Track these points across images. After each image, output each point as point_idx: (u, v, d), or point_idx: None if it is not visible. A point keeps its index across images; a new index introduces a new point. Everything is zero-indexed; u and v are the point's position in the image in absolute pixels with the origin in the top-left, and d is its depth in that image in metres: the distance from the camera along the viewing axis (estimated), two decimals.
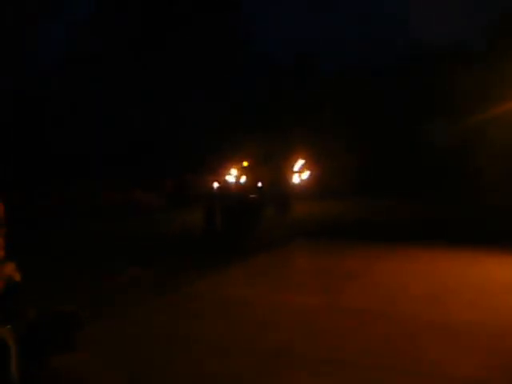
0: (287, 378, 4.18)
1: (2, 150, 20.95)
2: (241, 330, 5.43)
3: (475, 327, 5.36)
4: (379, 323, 5.61)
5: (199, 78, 30.19)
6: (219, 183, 19.06)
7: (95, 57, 28.67)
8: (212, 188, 18.51)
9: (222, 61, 31.62)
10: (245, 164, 20.22)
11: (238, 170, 19.84)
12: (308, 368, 4.38)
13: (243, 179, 19.85)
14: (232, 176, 19.28)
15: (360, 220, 17.03)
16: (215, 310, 6.30)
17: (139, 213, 21.69)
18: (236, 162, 20.35)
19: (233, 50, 32.85)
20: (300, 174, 22.34)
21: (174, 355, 4.67)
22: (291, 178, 21.85)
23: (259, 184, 20.76)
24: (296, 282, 8.09)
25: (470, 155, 26.48)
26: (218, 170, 20.64)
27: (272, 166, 24.40)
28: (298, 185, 22.07)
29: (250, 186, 19.82)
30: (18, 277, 1.57)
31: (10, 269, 1.54)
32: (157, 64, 29.67)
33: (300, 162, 22.11)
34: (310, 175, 22.65)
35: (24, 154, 22.39)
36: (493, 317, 5.72)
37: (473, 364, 4.35)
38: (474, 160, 25.65)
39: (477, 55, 28.17)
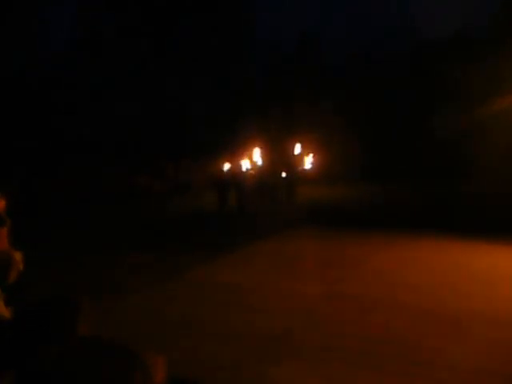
0: (287, 365, 4.19)
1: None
2: (240, 317, 5.44)
3: (475, 317, 5.35)
4: (379, 311, 5.62)
5: (201, 64, 30.03)
6: (231, 166, 19.31)
7: (96, 43, 28.49)
8: (224, 171, 18.79)
9: (223, 46, 31.42)
10: (257, 149, 20.37)
11: (252, 154, 20.11)
12: (308, 355, 4.39)
13: (259, 163, 20.12)
14: (246, 160, 19.55)
15: (362, 206, 17.02)
16: (215, 296, 6.31)
17: (140, 198, 21.72)
18: (246, 147, 20.51)
19: (235, 35, 32.58)
20: (301, 157, 22.43)
21: (173, 340, 4.68)
22: (296, 162, 22.07)
23: (283, 174, 21.02)
24: (296, 269, 8.09)
25: (471, 146, 26.35)
26: (227, 155, 20.80)
27: (279, 150, 24.51)
28: (305, 170, 22.27)
29: (264, 171, 20.14)
30: (21, 266, 1.57)
31: (19, 257, 1.55)
32: (158, 51, 29.49)
33: (298, 146, 22.14)
34: (313, 160, 22.72)
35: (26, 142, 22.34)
36: (493, 307, 5.70)
37: (473, 354, 4.35)
38: (476, 151, 25.52)
39: (479, 45, 27.92)
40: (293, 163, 22.02)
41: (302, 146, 22.61)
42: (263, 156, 20.69)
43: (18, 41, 24.99)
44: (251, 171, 19.33)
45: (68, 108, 25.64)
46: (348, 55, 35.42)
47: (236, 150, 21.03)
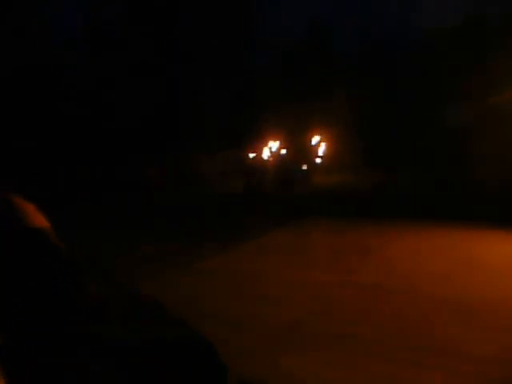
0: (300, 353, 4.19)
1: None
2: (254, 305, 5.45)
3: (490, 306, 5.31)
4: (393, 299, 5.60)
5: (211, 54, 29.93)
6: (255, 156, 20.00)
7: (110, 32, 28.46)
8: (250, 159, 19.61)
9: (235, 35, 31.27)
10: (277, 140, 20.80)
11: (272, 144, 20.66)
12: (321, 343, 4.38)
13: (280, 153, 20.77)
14: (268, 150, 20.14)
15: (372, 195, 16.98)
16: (228, 285, 6.33)
17: (150, 189, 21.81)
18: (266, 137, 20.92)
19: (246, 24, 32.40)
20: (316, 149, 22.84)
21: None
22: (311, 152, 22.50)
23: (304, 167, 21.38)
24: (310, 258, 8.08)
25: (479, 135, 26.00)
26: (249, 145, 21.27)
27: (297, 140, 24.69)
28: (319, 161, 22.68)
29: (285, 160, 20.70)
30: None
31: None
32: (170, 38, 29.41)
33: (316, 138, 22.55)
34: (326, 151, 23.06)
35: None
36: (508, 296, 5.65)
37: (487, 343, 4.31)
38: (484, 140, 25.15)
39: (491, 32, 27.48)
40: (310, 153, 22.42)
41: (317, 136, 22.87)
42: (284, 146, 21.15)
43: (29, 32, 25.06)
44: (271, 160, 19.98)
45: (80, 98, 25.69)
46: (358, 46, 35.20)
47: (256, 140, 21.38)
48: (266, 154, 20.36)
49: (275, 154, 20.80)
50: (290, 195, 17.83)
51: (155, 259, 7.77)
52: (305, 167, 21.32)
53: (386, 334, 4.53)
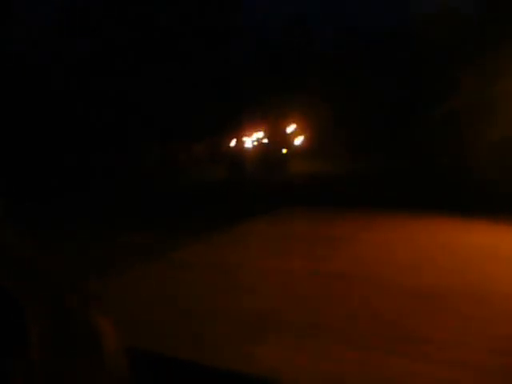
0: (272, 341, 4.20)
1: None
2: (226, 295, 5.44)
3: (455, 294, 5.38)
4: (363, 289, 5.65)
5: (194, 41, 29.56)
6: (237, 143, 20.32)
7: (88, 20, 27.81)
8: (231, 146, 20.03)
9: (220, 25, 30.96)
10: (259, 128, 21.07)
11: (254, 132, 20.94)
12: (293, 331, 4.40)
13: (262, 140, 21.09)
14: (251, 137, 20.48)
15: (349, 183, 17.09)
16: (200, 276, 6.30)
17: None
18: (248, 125, 21.10)
19: (230, 14, 32.08)
20: (294, 137, 23.16)
21: (159, 317, 4.67)
22: (288, 139, 22.79)
23: (284, 150, 21.71)
24: (282, 249, 8.07)
25: (465, 127, 26.14)
26: (231, 133, 21.46)
27: (276, 129, 24.78)
28: (296, 147, 23.00)
29: (267, 147, 21.00)
30: None
31: None
32: (151, 26, 28.92)
33: (292, 126, 22.81)
34: (304, 139, 23.35)
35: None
36: (474, 284, 5.74)
37: (450, 329, 4.40)
38: (464, 135, 25.30)
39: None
40: (287, 141, 22.71)
41: (295, 125, 23.06)
42: (264, 134, 21.45)
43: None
44: (252, 147, 20.38)
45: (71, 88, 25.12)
46: (337, 36, 35.13)
47: (237, 127, 21.52)
48: (247, 141, 20.71)
49: (256, 142, 21.11)
50: (269, 182, 17.90)
51: (128, 250, 7.69)
52: (284, 151, 21.65)
53: (358, 322, 4.57)
